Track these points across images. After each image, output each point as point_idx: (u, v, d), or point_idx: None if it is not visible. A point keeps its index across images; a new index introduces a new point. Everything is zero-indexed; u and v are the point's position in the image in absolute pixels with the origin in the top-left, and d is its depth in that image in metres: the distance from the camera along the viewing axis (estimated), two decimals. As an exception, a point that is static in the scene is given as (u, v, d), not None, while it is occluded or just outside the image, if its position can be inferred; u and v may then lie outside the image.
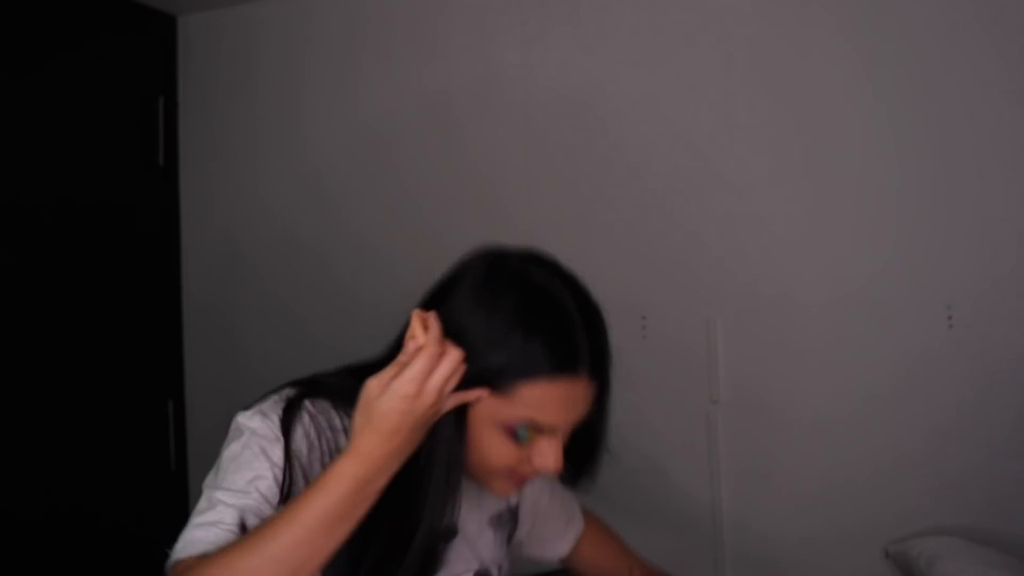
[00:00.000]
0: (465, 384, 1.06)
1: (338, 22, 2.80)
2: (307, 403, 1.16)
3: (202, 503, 1.07)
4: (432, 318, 1.06)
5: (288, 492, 1.07)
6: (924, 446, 2.14)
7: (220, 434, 1.14)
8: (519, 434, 1.11)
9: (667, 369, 2.37)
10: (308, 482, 1.07)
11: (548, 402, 1.09)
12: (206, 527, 1.03)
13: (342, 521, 1.02)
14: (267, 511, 1.05)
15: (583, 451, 1.21)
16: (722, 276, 2.33)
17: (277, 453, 1.09)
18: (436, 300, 1.14)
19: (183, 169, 2.98)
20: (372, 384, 1.03)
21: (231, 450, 1.10)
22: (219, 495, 1.06)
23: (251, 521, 1.04)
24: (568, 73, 2.50)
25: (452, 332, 1.06)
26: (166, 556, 1.04)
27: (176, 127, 2.97)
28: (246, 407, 1.15)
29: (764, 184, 2.29)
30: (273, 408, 1.13)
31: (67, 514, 2.54)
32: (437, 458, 1.09)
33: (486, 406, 1.10)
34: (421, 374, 1.01)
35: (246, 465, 1.08)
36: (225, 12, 2.94)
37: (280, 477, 1.08)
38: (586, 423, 1.16)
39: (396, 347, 1.10)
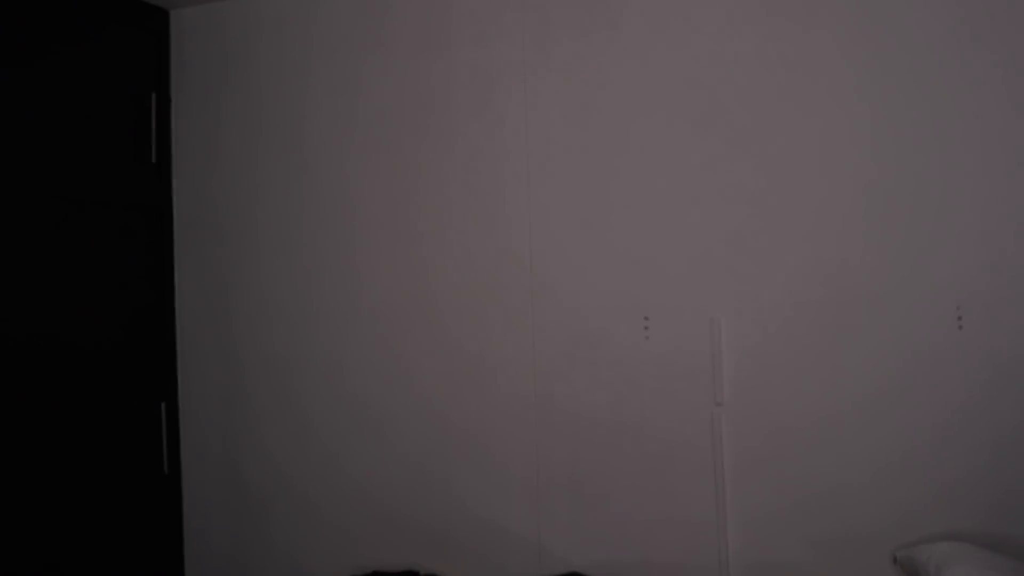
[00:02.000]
0: None
1: (335, 17, 2.76)
2: None
3: None
4: None
5: None
6: (930, 448, 2.11)
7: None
8: None
9: (670, 370, 2.34)
10: None
11: None
12: None
13: None
14: None
15: None
16: (726, 276, 2.30)
17: None
18: None
19: (176, 166, 2.94)
20: None
21: None
22: None
23: None
24: (568, 72, 2.47)
25: None
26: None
27: (169, 123, 2.93)
28: None
29: (769, 183, 2.27)
30: None
31: (61, 517, 2.50)
32: None
33: None
34: None
35: None
36: (219, 6, 2.89)
37: None
38: None
39: None
